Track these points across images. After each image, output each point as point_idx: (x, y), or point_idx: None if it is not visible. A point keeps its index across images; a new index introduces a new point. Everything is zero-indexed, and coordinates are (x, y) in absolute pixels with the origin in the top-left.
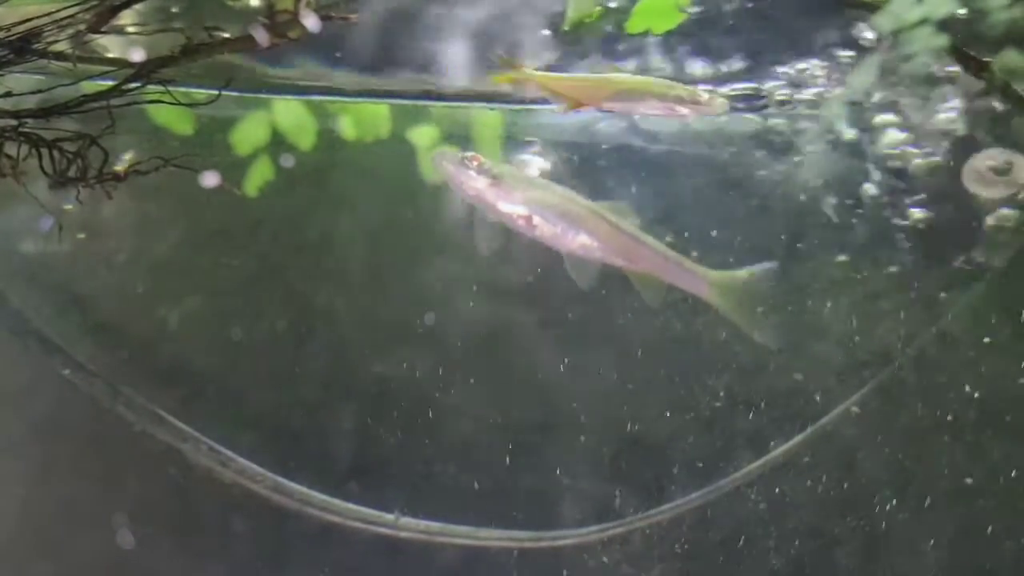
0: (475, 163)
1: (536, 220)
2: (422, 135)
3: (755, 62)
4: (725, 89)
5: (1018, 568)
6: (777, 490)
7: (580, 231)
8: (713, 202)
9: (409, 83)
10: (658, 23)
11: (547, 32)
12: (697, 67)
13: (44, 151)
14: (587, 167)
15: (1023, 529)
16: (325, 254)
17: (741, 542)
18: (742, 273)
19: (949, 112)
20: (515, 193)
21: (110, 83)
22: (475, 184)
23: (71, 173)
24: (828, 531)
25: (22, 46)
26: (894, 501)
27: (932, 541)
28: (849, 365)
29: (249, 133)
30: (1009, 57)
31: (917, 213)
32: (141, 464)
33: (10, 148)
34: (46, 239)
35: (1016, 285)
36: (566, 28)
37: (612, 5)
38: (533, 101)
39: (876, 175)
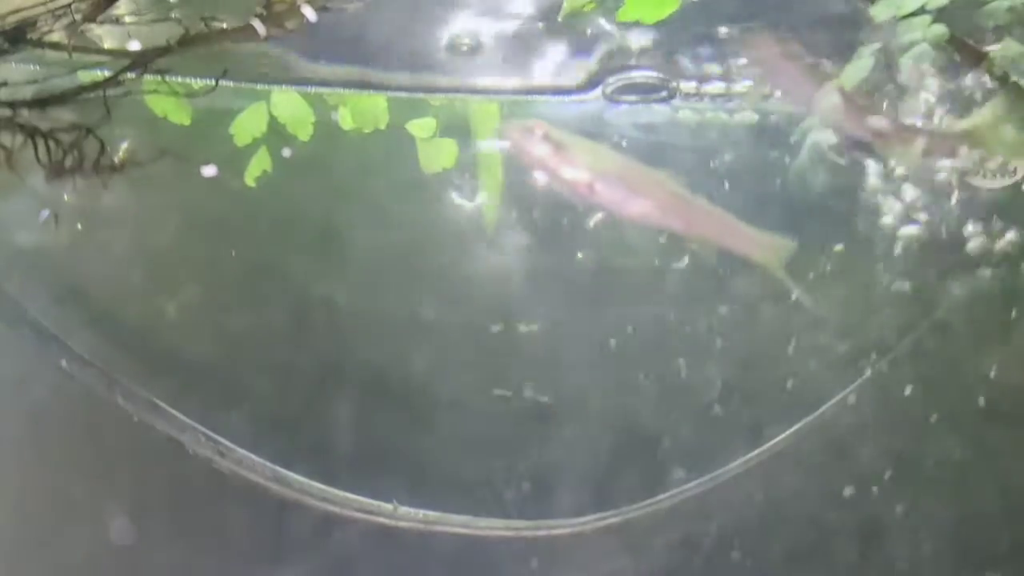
0: (540, 131)
1: (598, 187)
2: (420, 127)
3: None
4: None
5: (1017, 560)
6: (774, 480)
7: (640, 197)
8: (712, 195)
9: (406, 75)
10: (652, 12)
11: (541, 24)
12: (692, 60)
13: (40, 141)
14: None
15: (1022, 521)
16: (323, 244)
17: (736, 532)
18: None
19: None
20: (578, 160)
21: (106, 73)
22: (539, 151)
23: (67, 164)
24: (825, 522)
25: (17, 35)
26: (892, 492)
27: (930, 533)
28: (846, 355)
29: (248, 124)
30: (1009, 47)
31: (915, 205)
32: (139, 454)
33: (6, 138)
34: (43, 229)
35: (1014, 275)
36: (560, 19)
37: None
38: (530, 92)
39: (874, 166)
